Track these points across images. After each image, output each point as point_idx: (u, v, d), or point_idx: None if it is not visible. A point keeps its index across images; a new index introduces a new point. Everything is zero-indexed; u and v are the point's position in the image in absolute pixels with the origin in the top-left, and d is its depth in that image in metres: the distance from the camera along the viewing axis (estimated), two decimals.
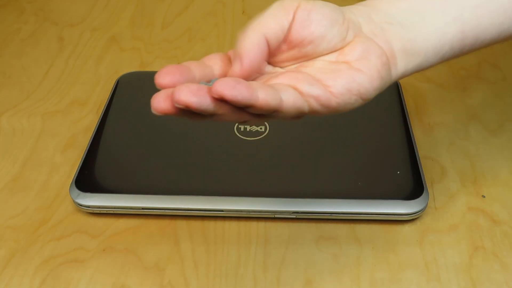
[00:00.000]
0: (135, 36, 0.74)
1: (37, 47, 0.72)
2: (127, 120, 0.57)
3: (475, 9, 0.39)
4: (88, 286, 0.44)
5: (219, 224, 0.49)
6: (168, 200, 0.48)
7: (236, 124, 0.55)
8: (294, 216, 0.48)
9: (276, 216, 0.48)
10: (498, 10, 0.39)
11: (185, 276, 0.45)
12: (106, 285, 0.44)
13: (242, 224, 0.48)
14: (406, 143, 0.53)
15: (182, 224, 0.49)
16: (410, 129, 0.54)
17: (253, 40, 0.34)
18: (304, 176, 0.50)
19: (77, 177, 0.50)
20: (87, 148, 0.53)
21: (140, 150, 0.53)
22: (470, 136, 0.56)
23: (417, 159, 0.51)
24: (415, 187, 0.48)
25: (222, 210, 0.48)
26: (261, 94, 0.31)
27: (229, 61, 0.37)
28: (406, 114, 0.56)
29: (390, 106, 0.57)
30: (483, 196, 0.50)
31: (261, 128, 0.54)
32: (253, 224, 0.48)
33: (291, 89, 0.33)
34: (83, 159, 0.52)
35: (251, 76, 0.35)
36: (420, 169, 0.50)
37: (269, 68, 0.37)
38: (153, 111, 0.31)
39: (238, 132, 0.54)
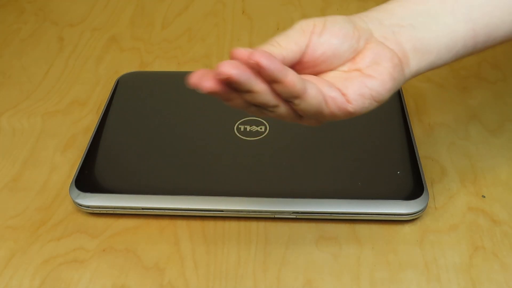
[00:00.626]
0: (135, 36, 0.74)
1: (37, 47, 0.72)
2: (127, 120, 0.57)
3: (484, 8, 0.40)
4: (88, 286, 0.44)
5: (219, 224, 0.49)
6: (168, 200, 0.48)
7: (236, 124, 0.55)
8: (294, 216, 0.48)
9: (276, 216, 0.48)
10: (509, 9, 0.40)
11: (185, 276, 0.45)
12: (106, 285, 0.44)
13: (242, 224, 0.48)
14: (406, 143, 0.53)
15: (182, 224, 0.49)
16: (410, 129, 0.54)
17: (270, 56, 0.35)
18: (304, 176, 0.50)
19: (77, 177, 0.50)
20: (87, 148, 0.53)
21: (140, 150, 0.53)
22: (470, 136, 0.56)
23: (417, 159, 0.51)
24: (415, 187, 0.48)
25: (222, 210, 0.48)
26: (290, 75, 0.33)
27: None
28: (406, 114, 0.56)
29: (390, 106, 0.57)
30: (483, 196, 0.50)
31: (261, 128, 0.54)
32: (253, 224, 0.48)
33: (316, 85, 0.35)
34: (83, 159, 0.52)
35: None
36: (420, 169, 0.50)
37: None
38: (195, 86, 0.34)
39: (238, 132, 0.54)
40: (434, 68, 0.40)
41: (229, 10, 0.79)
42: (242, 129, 0.54)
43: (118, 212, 0.49)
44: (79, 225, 0.49)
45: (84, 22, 0.77)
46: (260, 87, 0.33)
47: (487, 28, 0.40)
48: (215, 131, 0.55)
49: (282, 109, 0.35)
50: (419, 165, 0.50)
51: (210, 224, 0.49)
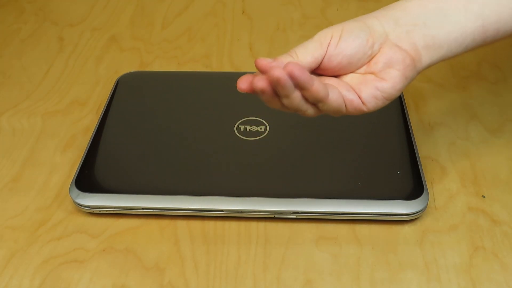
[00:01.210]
0: (135, 36, 0.74)
1: (37, 47, 0.72)
2: (127, 120, 0.57)
3: (496, 6, 0.42)
4: (88, 286, 0.44)
5: (219, 224, 0.49)
6: (168, 200, 0.48)
7: (236, 124, 0.55)
8: (294, 216, 0.48)
9: (276, 216, 0.48)
10: None
11: (185, 276, 0.45)
12: (106, 285, 0.44)
13: (242, 224, 0.48)
14: (406, 143, 0.53)
15: (182, 224, 0.49)
16: (410, 129, 0.54)
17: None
18: (304, 176, 0.50)
19: (77, 177, 0.50)
20: (87, 148, 0.53)
21: (140, 150, 0.53)
22: (470, 136, 0.56)
23: (417, 159, 0.51)
24: (415, 187, 0.48)
25: (222, 210, 0.48)
26: (315, 84, 0.38)
27: None
28: (406, 114, 0.56)
29: (390, 106, 0.57)
30: (483, 196, 0.50)
31: (261, 128, 0.54)
32: (253, 224, 0.48)
33: (337, 89, 0.40)
34: (83, 159, 0.52)
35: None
36: (420, 169, 0.50)
37: None
38: (246, 88, 0.39)
39: (238, 132, 0.54)
40: (445, 60, 0.43)
41: (229, 10, 0.79)
42: (242, 129, 0.54)
43: (118, 212, 0.49)
44: (79, 225, 0.49)
45: (84, 22, 0.77)
46: (296, 94, 0.39)
47: (497, 24, 0.42)
48: (215, 131, 0.55)
49: (310, 111, 0.40)
50: (419, 165, 0.50)
51: (210, 224, 0.49)
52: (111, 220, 0.49)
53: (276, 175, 0.50)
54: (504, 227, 0.48)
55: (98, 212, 0.49)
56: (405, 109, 0.57)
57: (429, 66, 0.43)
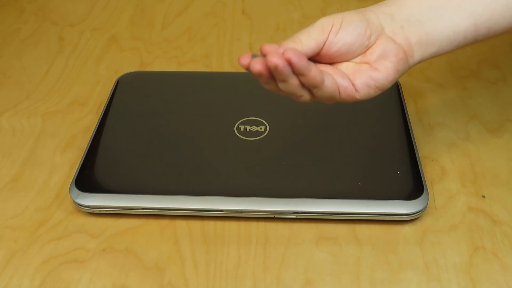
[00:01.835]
0: (135, 36, 0.74)
1: (37, 47, 0.72)
2: (127, 120, 0.57)
3: (488, 5, 0.43)
4: (88, 286, 0.44)
5: (219, 224, 0.49)
6: (168, 200, 0.48)
7: (236, 124, 0.55)
8: (294, 216, 0.48)
9: (276, 216, 0.48)
10: (509, 4, 0.43)
11: (185, 276, 0.45)
12: (106, 285, 0.44)
13: (242, 224, 0.48)
14: (406, 143, 0.53)
15: (182, 224, 0.49)
16: (410, 129, 0.54)
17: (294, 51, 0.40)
18: (304, 176, 0.50)
19: (77, 177, 0.50)
20: (87, 148, 0.53)
21: (140, 150, 0.53)
22: (470, 136, 0.56)
23: (417, 159, 0.51)
24: (415, 187, 0.48)
25: (222, 210, 0.48)
26: (313, 70, 0.40)
27: None
28: (406, 114, 0.56)
29: (390, 106, 0.57)
30: (483, 196, 0.50)
31: (261, 128, 0.54)
32: (253, 224, 0.48)
33: (331, 76, 0.41)
34: (83, 159, 0.52)
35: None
36: (420, 169, 0.50)
37: None
38: (245, 66, 0.40)
39: (238, 132, 0.54)
40: (436, 56, 0.44)
41: (229, 10, 0.79)
42: (242, 129, 0.54)
43: (118, 212, 0.49)
44: (79, 225, 0.49)
45: (84, 22, 0.77)
46: (293, 80, 0.40)
47: (488, 22, 0.43)
48: (215, 131, 0.55)
49: (305, 97, 0.42)
50: (419, 165, 0.50)
51: (210, 224, 0.49)
52: (111, 220, 0.49)
53: (276, 175, 0.50)
54: (504, 227, 0.48)
55: (98, 212, 0.49)
56: (405, 109, 0.57)
57: (419, 62, 0.44)
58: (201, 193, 0.48)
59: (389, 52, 0.42)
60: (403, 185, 0.49)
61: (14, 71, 0.68)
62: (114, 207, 0.49)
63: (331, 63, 0.44)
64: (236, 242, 0.47)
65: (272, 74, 0.40)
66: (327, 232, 0.48)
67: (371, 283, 0.44)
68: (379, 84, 0.42)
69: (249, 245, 0.47)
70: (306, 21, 0.76)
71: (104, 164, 0.52)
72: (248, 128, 0.54)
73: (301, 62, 0.39)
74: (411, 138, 0.53)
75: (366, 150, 0.53)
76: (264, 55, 0.40)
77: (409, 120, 0.55)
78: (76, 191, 0.49)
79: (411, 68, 0.44)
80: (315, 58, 0.43)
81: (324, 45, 0.42)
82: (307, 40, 0.42)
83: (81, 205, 0.49)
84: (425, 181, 0.49)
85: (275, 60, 0.38)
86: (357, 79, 0.42)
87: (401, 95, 0.58)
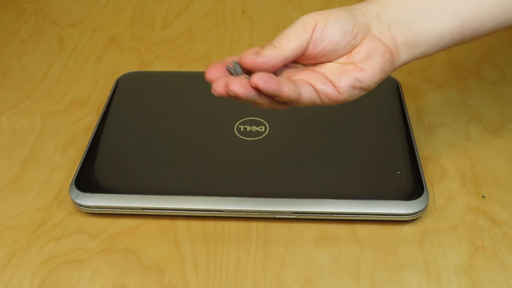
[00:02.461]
0: (135, 36, 0.74)
1: (37, 47, 0.72)
2: (127, 120, 0.57)
3: (474, 5, 0.42)
4: (88, 286, 0.44)
5: (219, 224, 0.49)
6: (168, 200, 0.48)
7: (236, 124, 0.55)
8: (294, 217, 0.48)
9: (276, 216, 0.48)
10: (495, 5, 0.42)
11: (185, 276, 0.45)
12: (106, 285, 0.44)
13: (242, 224, 0.48)
14: (406, 143, 0.53)
15: (182, 224, 0.49)
16: (410, 129, 0.54)
17: (272, 56, 0.40)
18: (304, 176, 0.50)
19: (77, 177, 0.50)
20: (87, 148, 0.53)
21: (140, 150, 0.53)
22: (470, 136, 0.56)
23: (417, 159, 0.51)
24: (415, 187, 0.48)
25: (222, 210, 0.48)
26: (285, 88, 0.39)
27: None
28: (406, 114, 0.56)
29: (390, 106, 0.57)
30: (483, 197, 0.50)
31: (261, 128, 0.54)
32: (253, 224, 0.48)
33: (309, 85, 0.40)
34: (83, 159, 0.52)
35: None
36: (420, 169, 0.50)
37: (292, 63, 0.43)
38: (213, 92, 0.39)
39: (238, 132, 0.54)
40: (421, 58, 0.44)
41: (229, 10, 0.79)
42: (242, 129, 0.54)
43: (118, 212, 0.49)
44: (79, 225, 0.49)
45: (84, 22, 0.77)
46: (262, 100, 0.39)
47: (474, 23, 0.43)
48: (215, 131, 0.55)
49: (282, 107, 0.41)
50: (419, 165, 0.50)
51: (210, 224, 0.49)
52: (111, 220, 0.49)
53: (276, 175, 0.50)
54: (504, 227, 0.48)
55: (98, 212, 0.49)
56: (405, 109, 0.57)
57: (405, 63, 0.43)
58: (201, 193, 0.48)
59: (375, 52, 0.41)
60: (403, 185, 0.49)
61: (14, 71, 0.68)
62: (114, 207, 0.49)
63: (315, 64, 0.42)
64: (236, 242, 0.47)
65: None
66: (327, 232, 0.48)
67: (371, 283, 0.44)
68: (364, 85, 0.41)
69: (249, 245, 0.47)
70: None
71: (104, 164, 0.52)
72: (248, 128, 0.54)
73: (271, 87, 0.38)
74: (411, 138, 0.53)
75: (366, 150, 0.53)
76: (242, 65, 0.39)
77: (409, 120, 0.55)
78: (76, 191, 0.49)
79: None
80: (298, 59, 0.42)
81: (308, 44, 0.41)
82: (286, 42, 0.40)
83: (81, 205, 0.49)
84: (425, 181, 0.49)
85: (236, 89, 0.37)
86: (342, 81, 0.41)
87: (401, 95, 0.58)
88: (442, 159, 0.54)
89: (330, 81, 0.41)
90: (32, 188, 0.52)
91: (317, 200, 0.48)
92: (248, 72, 0.40)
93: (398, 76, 0.60)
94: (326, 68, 0.42)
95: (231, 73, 0.40)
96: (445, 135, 0.56)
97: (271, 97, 0.39)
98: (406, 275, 0.44)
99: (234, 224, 0.48)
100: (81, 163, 0.52)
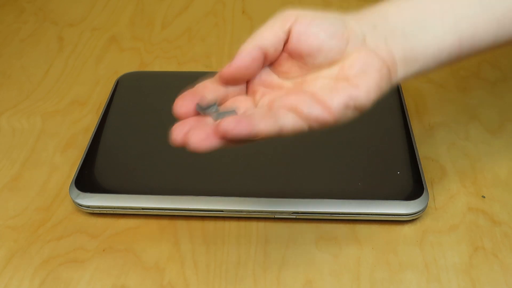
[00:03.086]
0: (135, 36, 0.74)
1: (37, 47, 0.72)
2: (127, 120, 0.57)
3: (471, 19, 0.40)
4: (88, 286, 0.44)
5: (219, 224, 0.49)
6: (168, 200, 0.48)
7: None
8: (294, 217, 0.48)
9: (276, 216, 0.48)
10: (492, 21, 0.41)
11: (185, 276, 0.45)
12: (106, 285, 0.44)
13: (242, 224, 0.48)
14: (406, 143, 0.53)
15: (182, 224, 0.49)
16: (410, 129, 0.54)
17: (246, 48, 0.38)
18: (304, 176, 0.50)
19: (77, 177, 0.50)
20: (87, 148, 0.53)
21: (140, 150, 0.53)
22: (470, 136, 0.56)
23: (417, 159, 0.51)
24: (415, 187, 0.48)
25: (222, 210, 0.48)
26: (261, 126, 0.34)
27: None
28: (406, 114, 0.56)
29: (390, 106, 0.57)
30: (483, 197, 0.50)
31: None
32: (253, 224, 0.48)
33: (291, 113, 0.36)
34: (83, 159, 0.52)
35: (240, 77, 0.39)
36: (420, 169, 0.50)
37: (275, 79, 0.40)
38: (172, 142, 0.36)
39: None
40: (417, 76, 0.41)
41: (229, 10, 0.79)
42: None
43: (118, 212, 0.49)
44: (79, 225, 0.49)
45: (84, 22, 0.77)
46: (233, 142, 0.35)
47: (472, 39, 0.41)
48: None
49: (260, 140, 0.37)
50: (419, 165, 0.50)
51: (210, 224, 0.49)
52: (111, 220, 0.49)
53: (276, 175, 0.50)
54: (504, 227, 0.48)
55: (98, 212, 0.49)
56: (405, 109, 0.57)
57: (402, 81, 0.40)
58: (201, 193, 0.48)
59: (371, 67, 0.38)
60: (403, 185, 0.49)
61: (13, 71, 0.68)
62: (114, 207, 0.49)
63: (302, 73, 0.39)
64: (236, 242, 0.47)
65: None
66: (327, 232, 0.48)
67: (371, 283, 0.44)
68: (358, 103, 0.37)
69: (249, 245, 0.47)
70: None
71: (104, 164, 0.52)
72: None
73: (243, 130, 0.33)
74: (411, 138, 0.53)
75: (366, 150, 0.53)
76: (222, 81, 0.37)
77: (409, 120, 0.55)
78: (76, 191, 0.49)
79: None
80: (281, 57, 0.39)
81: (289, 37, 0.38)
82: (260, 32, 0.38)
83: (81, 205, 0.49)
84: (425, 181, 0.49)
85: (197, 144, 0.34)
86: (334, 98, 0.37)
87: (401, 95, 0.58)
88: (442, 159, 0.54)
89: (320, 101, 0.37)
90: (32, 188, 0.52)
91: (317, 200, 0.48)
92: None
93: None
94: (315, 86, 0.38)
95: (199, 114, 0.37)
96: (445, 135, 0.56)
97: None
98: (406, 275, 0.44)
99: (234, 224, 0.49)
100: (81, 163, 0.52)
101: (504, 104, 0.60)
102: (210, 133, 0.34)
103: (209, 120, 0.37)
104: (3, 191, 0.52)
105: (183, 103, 0.37)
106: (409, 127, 0.54)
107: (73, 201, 0.49)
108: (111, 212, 0.49)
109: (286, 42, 0.39)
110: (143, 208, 0.48)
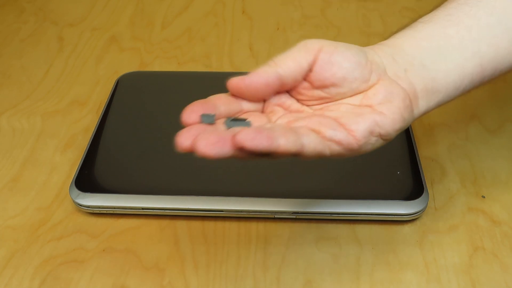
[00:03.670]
0: (135, 36, 0.74)
1: (37, 47, 0.72)
2: (127, 120, 0.57)
3: (491, 40, 0.39)
4: (88, 286, 0.44)
5: (219, 224, 0.49)
6: (168, 200, 0.48)
7: None
8: (294, 217, 0.48)
9: (276, 216, 0.48)
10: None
11: (185, 276, 0.45)
12: (106, 285, 0.44)
13: (242, 224, 0.48)
14: (406, 143, 0.53)
15: (182, 224, 0.49)
16: (410, 129, 0.54)
17: (265, 72, 0.36)
18: (304, 176, 0.50)
19: (77, 177, 0.50)
20: (87, 148, 0.53)
21: (140, 150, 0.53)
22: (470, 136, 0.56)
23: (417, 159, 0.51)
24: (415, 188, 0.48)
25: (222, 210, 0.48)
26: (281, 141, 0.32)
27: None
28: None
29: None
30: (483, 197, 0.50)
31: None
32: (253, 224, 0.48)
33: (313, 133, 0.34)
34: (83, 159, 0.52)
35: (249, 95, 0.37)
36: (420, 169, 0.50)
37: (294, 103, 0.39)
38: (178, 147, 0.34)
39: None
40: (440, 106, 0.40)
41: (229, 10, 0.79)
42: None
43: (118, 212, 0.49)
44: (79, 225, 0.49)
45: (84, 22, 0.77)
46: (246, 154, 0.32)
47: (494, 61, 0.39)
48: None
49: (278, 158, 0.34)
50: (419, 165, 0.50)
51: (210, 224, 0.49)
52: (111, 220, 0.49)
53: (276, 175, 0.50)
54: (504, 227, 0.48)
55: (98, 212, 0.49)
56: None
57: (424, 113, 0.39)
58: (201, 193, 0.48)
59: (395, 95, 0.36)
60: (403, 185, 0.49)
61: (13, 71, 0.68)
62: (114, 207, 0.49)
63: (323, 103, 0.38)
64: (236, 242, 0.47)
65: None
66: (327, 232, 0.48)
67: (371, 283, 0.44)
68: (383, 131, 0.36)
69: (249, 245, 0.47)
70: (306, 21, 0.76)
71: (104, 164, 0.52)
72: None
73: (261, 143, 0.31)
74: (411, 138, 0.53)
75: None
76: (228, 89, 0.35)
77: None
78: (76, 191, 0.49)
79: None
80: (303, 85, 0.37)
81: (313, 67, 0.36)
82: (282, 59, 0.36)
83: (81, 205, 0.49)
84: (425, 181, 0.49)
85: (207, 147, 0.31)
86: (359, 123, 0.35)
87: None
88: (442, 159, 0.54)
89: (343, 125, 0.35)
90: (32, 188, 0.52)
91: (317, 200, 0.48)
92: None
93: None
94: (337, 112, 0.36)
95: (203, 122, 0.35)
96: (445, 135, 0.56)
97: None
98: (406, 275, 0.44)
99: (234, 224, 0.49)
100: (81, 163, 0.52)
101: (504, 104, 0.60)
102: (223, 138, 0.32)
103: (220, 127, 0.35)
104: (3, 191, 0.52)
105: (192, 113, 0.36)
106: (409, 127, 0.54)
107: (73, 201, 0.49)
108: (111, 212, 0.49)
109: (308, 72, 0.37)
110: (143, 208, 0.48)
